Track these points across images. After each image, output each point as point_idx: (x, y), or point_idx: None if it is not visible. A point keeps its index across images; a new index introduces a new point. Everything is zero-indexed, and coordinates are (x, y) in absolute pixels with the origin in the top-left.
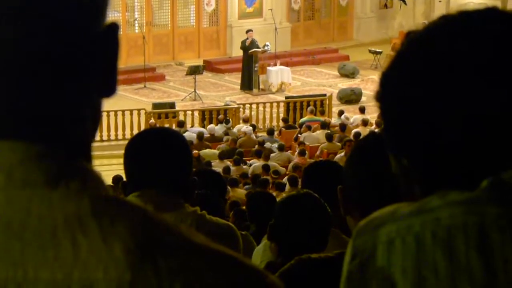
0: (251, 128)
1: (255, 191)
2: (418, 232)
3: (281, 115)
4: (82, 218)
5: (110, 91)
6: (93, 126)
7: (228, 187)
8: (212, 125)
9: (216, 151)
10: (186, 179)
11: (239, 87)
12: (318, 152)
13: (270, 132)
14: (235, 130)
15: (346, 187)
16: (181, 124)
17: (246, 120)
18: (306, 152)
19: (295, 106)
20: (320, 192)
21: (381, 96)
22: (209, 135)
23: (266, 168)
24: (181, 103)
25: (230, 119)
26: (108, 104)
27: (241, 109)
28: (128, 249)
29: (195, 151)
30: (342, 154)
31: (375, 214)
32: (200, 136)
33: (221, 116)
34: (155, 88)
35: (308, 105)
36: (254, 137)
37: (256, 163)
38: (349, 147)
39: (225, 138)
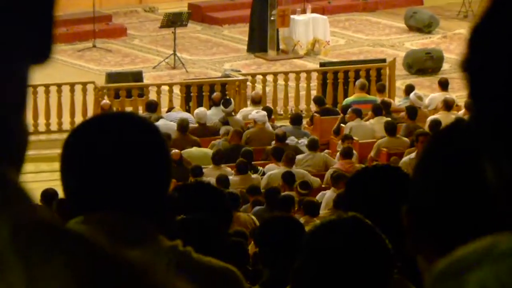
0: (264, 113)
1: (271, 216)
2: None
3: (314, 93)
4: None
5: (42, 54)
6: (17, 110)
7: None
8: (202, 109)
9: (208, 151)
10: (161, 195)
11: (245, 47)
12: (372, 153)
13: (296, 120)
14: (238, 116)
15: (417, 208)
16: (152, 106)
17: (256, 101)
18: (354, 152)
19: (335, 78)
20: (374, 217)
21: (472, 63)
22: (197, 125)
23: (289, 177)
24: (152, 72)
25: (232, 100)
26: (36, 76)
27: (249, 83)
28: None
29: (174, 151)
30: (412, 155)
31: (461, 252)
32: (183, 126)
33: (216, 95)
34: (111, 49)
35: (357, 76)
36: (270, 128)
37: (273, 170)
38: (422, 144)
39: (223, 129)
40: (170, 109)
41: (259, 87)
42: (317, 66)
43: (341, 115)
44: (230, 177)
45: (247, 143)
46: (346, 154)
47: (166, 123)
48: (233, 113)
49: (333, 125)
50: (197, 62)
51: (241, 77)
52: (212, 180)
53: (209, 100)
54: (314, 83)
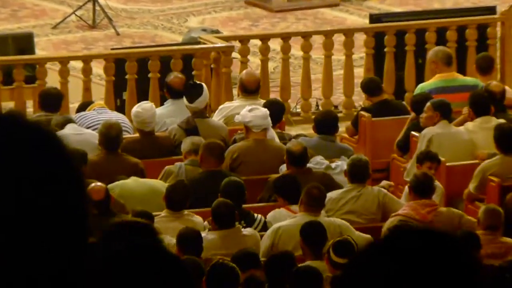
0: (265, 112)
1: None
2: None
3: (359, 73)
4: None
5: None
6: None
7: None
8: (147, 105)
9: (159, 184)
10: (69, 263)
11: None
12: (472, 186)
13: (326, 124)
14: (217, 118)
15: None
16: (53, 100)
17: (250, 90)
18: (438, 184)
19: (400, 44)
20: None
21: None
22: (138, 135)
23: (313, 234)
24: (52, 36)
25: (204, 86)
26: None
27: (236, 55)
28: None
29: (95, 185)
30: None
31: None
32: (111, 137)
33: (175, 78)
34: None
35: (441, 42)
36: (277, 141)
37: (283, 222)
38: None
39: (187, 142)
40: (87, 104)
41: (255, 62)
42: (365, 22)
43: (412, 114)
44: (203, 234)
45: (233, 169)
46: (423, 189)
47: (80, 132)
48: (206, 114)
49: (397, 133)
50: (137, 15)
51: (220, 44)
52: (168, 239)
53: (160, 89)
54: (360, 54)
